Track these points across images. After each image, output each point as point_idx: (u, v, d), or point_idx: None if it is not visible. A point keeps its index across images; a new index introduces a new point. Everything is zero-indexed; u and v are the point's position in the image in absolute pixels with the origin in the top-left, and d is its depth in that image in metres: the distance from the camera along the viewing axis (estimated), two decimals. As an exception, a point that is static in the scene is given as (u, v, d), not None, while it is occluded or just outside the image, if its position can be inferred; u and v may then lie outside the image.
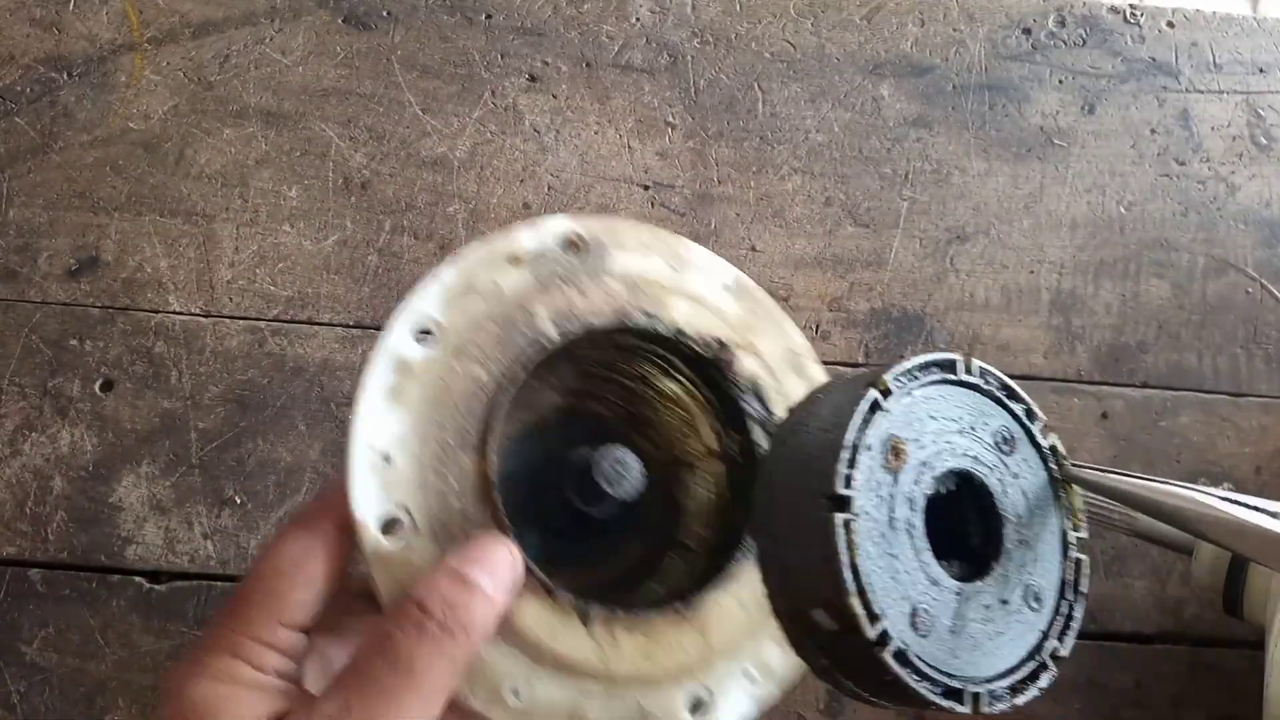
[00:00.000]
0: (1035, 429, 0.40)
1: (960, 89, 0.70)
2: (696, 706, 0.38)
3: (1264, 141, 0.70)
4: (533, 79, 0.68)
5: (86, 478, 0.60)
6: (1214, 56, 0.72)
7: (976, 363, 0.38)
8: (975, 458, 0.36)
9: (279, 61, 0.67)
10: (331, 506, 0.36)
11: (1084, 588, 0.38)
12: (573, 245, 0.41)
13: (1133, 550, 0.63)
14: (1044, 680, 0.36)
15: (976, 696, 0.33)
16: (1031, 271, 0.67)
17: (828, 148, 0.68)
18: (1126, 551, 0.63)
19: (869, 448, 0.33)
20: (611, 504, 0.40)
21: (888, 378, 0.34)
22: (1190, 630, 0.62)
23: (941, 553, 0.35)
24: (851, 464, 0.33)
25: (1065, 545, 0.39)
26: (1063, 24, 0.71)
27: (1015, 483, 0.38)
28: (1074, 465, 0.39)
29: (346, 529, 0.35)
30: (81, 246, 0.64)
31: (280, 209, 0.65)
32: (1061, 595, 0.37)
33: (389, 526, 0.35)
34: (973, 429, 0.37)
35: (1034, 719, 0.60)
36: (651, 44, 0.69)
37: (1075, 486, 0.39)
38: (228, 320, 0.63)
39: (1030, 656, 0.36)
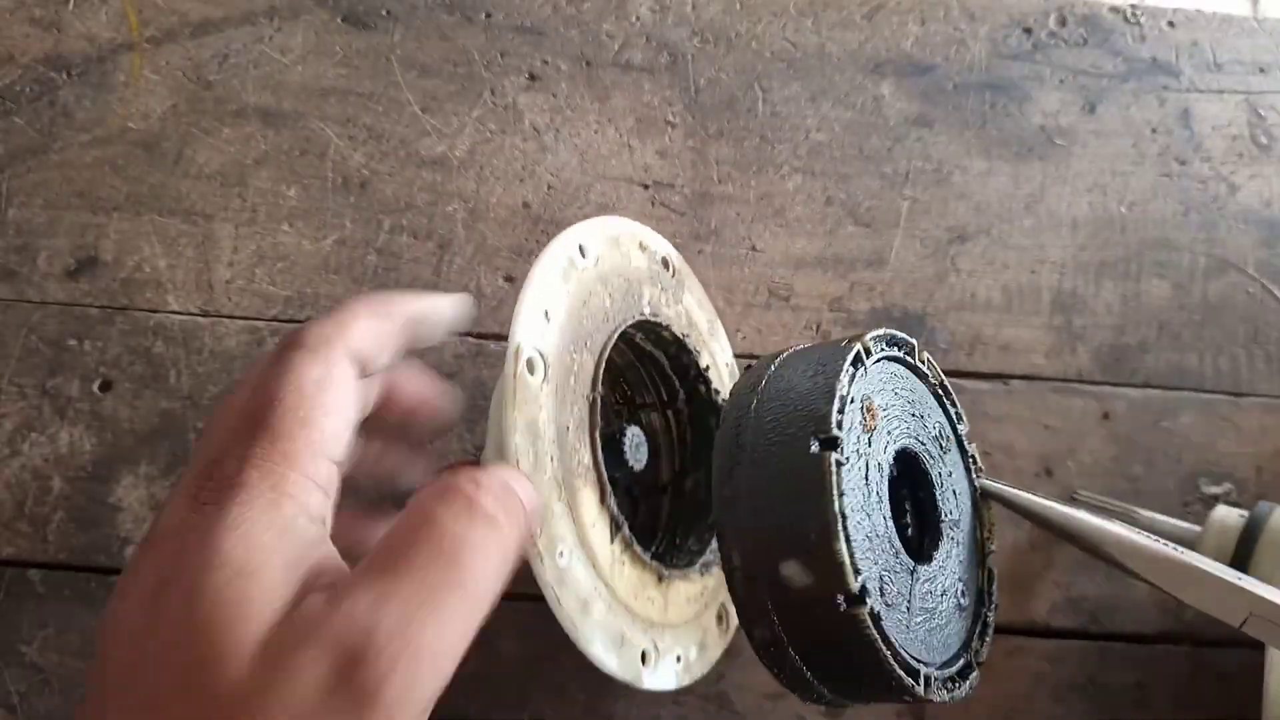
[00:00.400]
0: (963, 433, 0.40)
1: (961, 88, 0.70)
2: (645, 657, 0.41)
3: (1264, 141, 0.70)
4: (532, 78, 0.68)
5: (86, 478, 0.60)
6: (1215, 56, 0.72)
7: (925, 354, 0.38)
8: (924, 444, 0.36)
9: (278, 61, 0.67)
10: (343, 335, 0.31)
11: (996, 598, 0.38)
12: (666, 264, 0.51)
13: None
14: (973, 679, 0.35)
15: (929, 679, 0.32)
16: (1033, 271, 0.67)
17: (828, 147, 0.68)
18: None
19: (852, 400, 0.32)
20: (627, 471, 0.44)
21: (868, 339, 0.34)
22: (1191, 630, 0.62)
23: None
24: (842, 410, 0.32)
25: (983, 554, 0.39)
26: (1063, 23, 0.71)
27: (949, 481, 0.38)
28: (987, 479, 0.40)
29: (363, 366, 0.32)
30: (80, 246, 0.63)
31: (279, 208, 0.65)
32: (980, 601, 0.37)
33: (531, 365, 0.37)
34: (920, 417, 0.37)
35: (1035, 718, 0.60)
36: (651, 43, 0.69)
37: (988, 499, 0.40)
38: (227, 320, 0.63)
39: (961, 653, 0.35)
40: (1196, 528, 0.58)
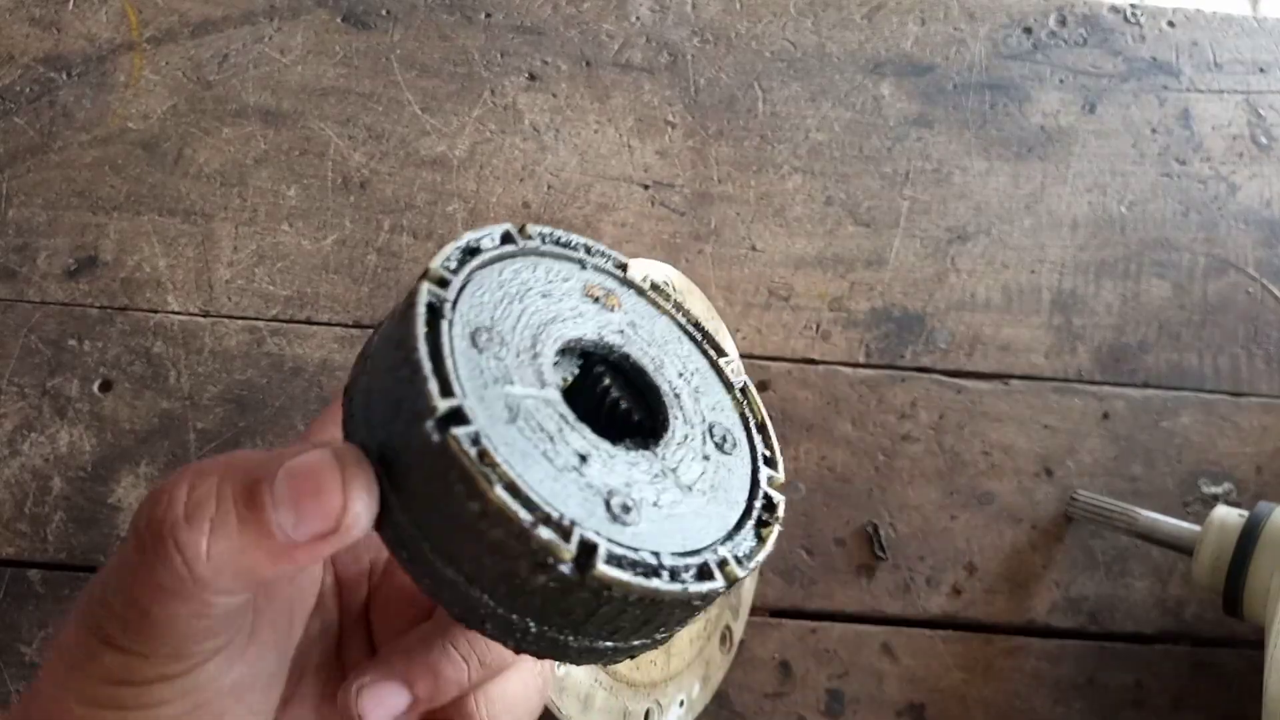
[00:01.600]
0: (607, 266, 0.34)
1: (961, 88, 0.70)
2: (648, 716, 0.41)
3: (1264, 141, 0.70)
4: (532, 78, 0.68)
5: (85, 478, 0.60)
6: (1214, 56, 0.72)
7: (532, 226, 0.32)
8: (577, 319, 0.31)
9: (278, 61, 0.67)
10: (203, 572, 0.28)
11: (765, 417, 0.33)
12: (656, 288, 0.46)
13: (1133, 550, 0.63)
14: (781, 510, 0.31)
15: (724, 563, 0.28)
16: (1032, 271, 0.67)
17: (828, 147, 0.68)
18: (1127, 551, 0.63)
19: (454, 345, 0.27)
20: None
21: (434, 265, 0.29)
22: (1191, 630, 0.62)
23: (608, 436, 0.30)
24: (438, 366, 0.26)
25: (719, 374, 0.34)
26: (1063, 23, 0.71)
27: (635, 331, 0.32)
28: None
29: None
30: (80, 246, 0.63)
31: (279, 208, 0.65)
32: (747, 429, 0.32)
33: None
34: (558, 294, 0.31)
35: (1035, 718, 0.61)
36: (651, 43, 0.69)
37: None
38: (226, 320, 0.63)
39: (753, 495, 0.31)
40: (1196, 528, 0.58)
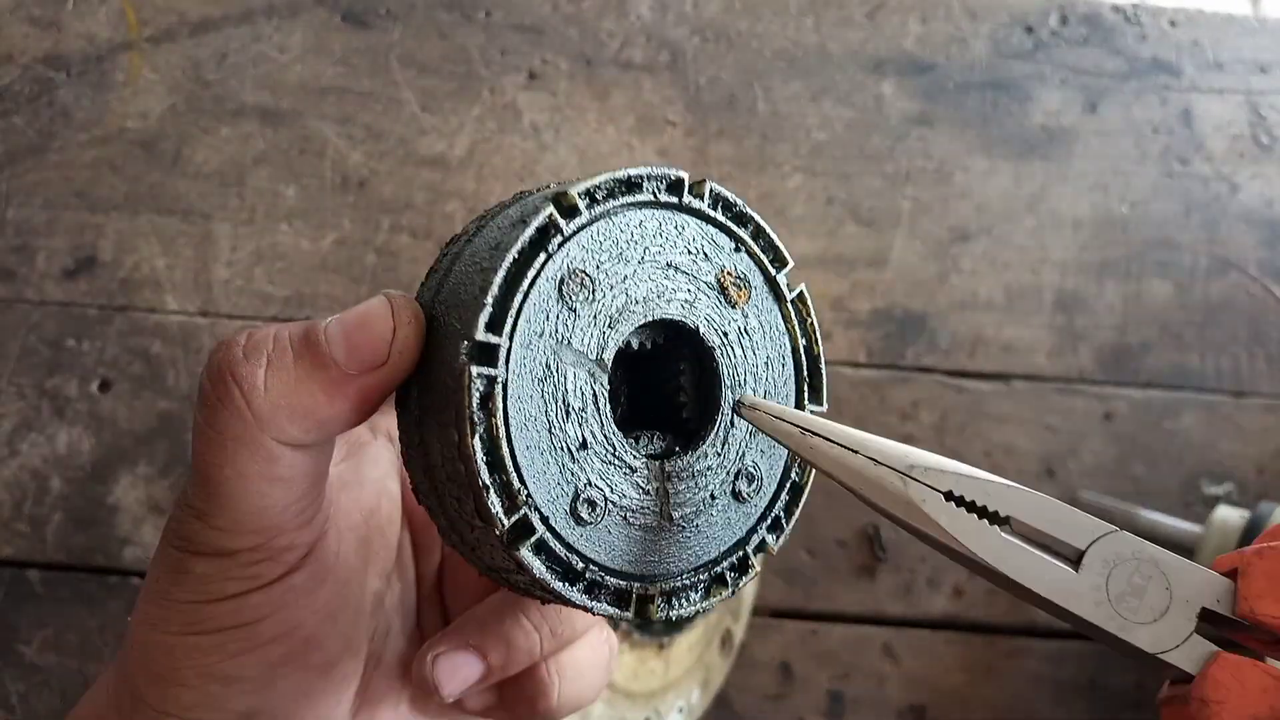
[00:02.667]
0: (764, 257, 0.31)
1: (962, 87, 0.70)
2: None
3: (1265, 141, 0.70)
4: (532, 76, 0.68)
5: (84, 478, 0.60)
6: (1215, 56, 0.71)
7: (711, 185, 0.30)
8: (690, 303, 0.29)
9: (277, 60, 0.67)
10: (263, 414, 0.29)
11: (807, 484, 0.31)
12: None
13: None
14: (750, 577, 0.30)
15: (648, 599, 0.27)
16: (1034, 271, 0.67)
17: (829, 146, 0.68)
18: (1129, 552, 0.63)
19: (535, 283, 0.26)
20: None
21: (574, 191, 0.27)
22: (1192, 631, 0.62)
23: (647, 421, 0.29)
24: (506, 297, 0.26)
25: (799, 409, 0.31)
26: (1065, 22, 0.71)
27: (741, 339, 0.30)
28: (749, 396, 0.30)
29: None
30: (79, 246, 0.63)
31: (278, 208, 0.65)
32: (784, 480, 0.30)
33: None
34: (685, 269, 0.29)
35: (1035, 718, 0.60)
36: (652, 41, 0.69)
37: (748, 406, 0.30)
38: (225, 320, 0.63)
39: (732, 551, 0.29)
40: (1198, 528, 0.57)
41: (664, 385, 0.30)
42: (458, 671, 0.32)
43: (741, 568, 0.30)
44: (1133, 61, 0.71)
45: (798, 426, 0.27)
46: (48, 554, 0.59)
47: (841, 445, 0.27)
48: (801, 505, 0.31)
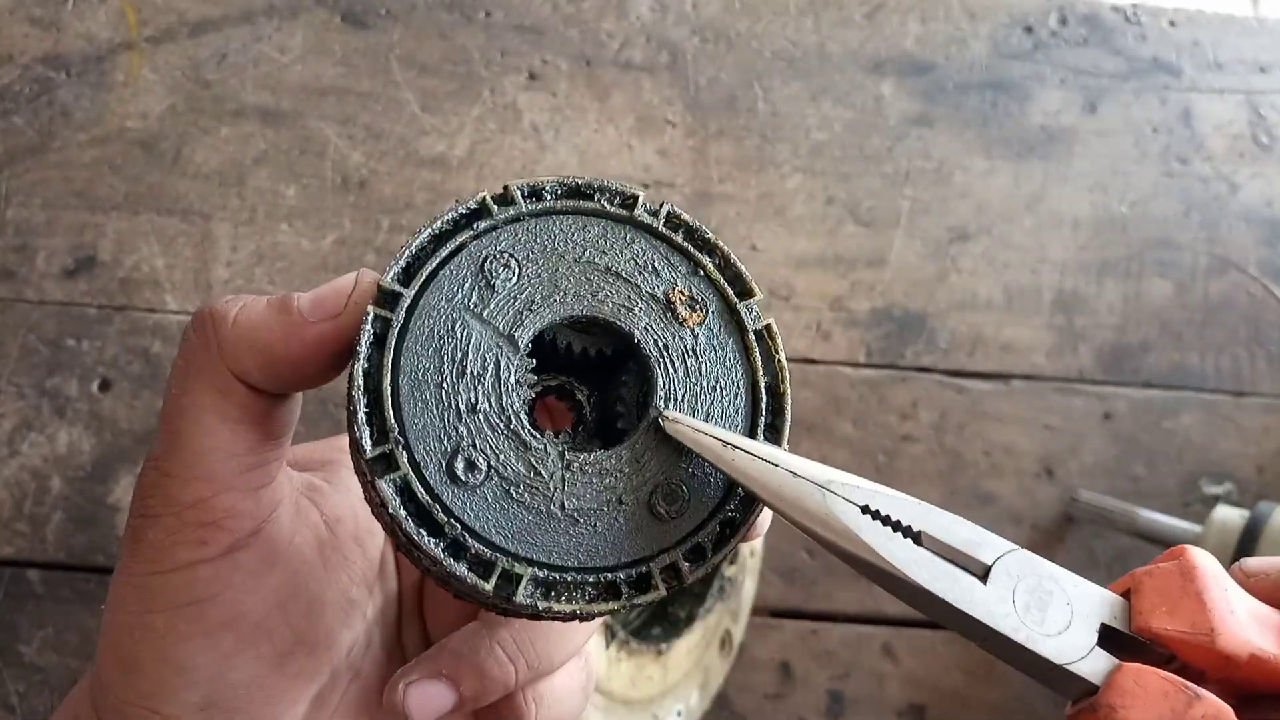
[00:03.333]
0: (726, 287, 0.30)
1: (962, 87, 0.70)
2: None
3: (1265, 141, 0.70)
4: (532, 77, 0.68)
5: (84, 478, 0.60)
6: (1215, 55, 0.71)
7: (668, 206, 0.30)
8: (626, 309, 0.29)
9: (277, 60, 0.67)
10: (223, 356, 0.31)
11: (752, 509, 0.29)
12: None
13: (1134, 550, 0.63)
14: (644, 596, 0.28)
15: (512, 576, 0.27)
16: (1034, 271, 0.67)
17: (829, 146, 0.68)
18: (1128, 552, 0.63)
19: (456, 255, 0.28)
20: None
21: (515, 185, 0.28)
22: (1192, 631, 0.62)
23: (601, 432, 0.30)
24: (416, 259, 0.28)
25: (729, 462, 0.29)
26: (1064, 22, 0.71)
27: (694, 358, 0.30)
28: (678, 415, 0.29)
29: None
30: (79, 246, 0.63)
31: (278, 208, 0.65)
32: (717, 511, 0.29)
33: None
34: (634, 279, 0.29)
35: (1034, 718, 0.60)
36: (651, 42, 0.69)
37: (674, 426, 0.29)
38: (226, 320, 0.63)
39: (638, 563, 0.28)
40: (1198, 528, 0.57)
41: (608, 396, 0.31)
42: (429, 701, 0.32)
43: (641, 584, 0.28)
44: (1132, 61, 0.71)
45: (719, 440, 0.28)
46: (48, 554, 0.59)
47: (763, 459, 0.27)
48: (735, 542, 0.29)
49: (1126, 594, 0.27)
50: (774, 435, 0.30)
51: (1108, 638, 0.26)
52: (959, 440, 0.64)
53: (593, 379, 0.31)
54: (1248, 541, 0.54)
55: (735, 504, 0.29)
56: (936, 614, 0.27)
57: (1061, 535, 0.63)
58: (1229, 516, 0.56)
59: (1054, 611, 0.27)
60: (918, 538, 0.27)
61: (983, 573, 0.27)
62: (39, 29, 0.66)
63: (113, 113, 0.65)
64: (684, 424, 0.28)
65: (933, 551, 0.27)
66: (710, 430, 0.28)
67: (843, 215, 0.67)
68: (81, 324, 0.62)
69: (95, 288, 0.63)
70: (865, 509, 0.27)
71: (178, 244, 0.64)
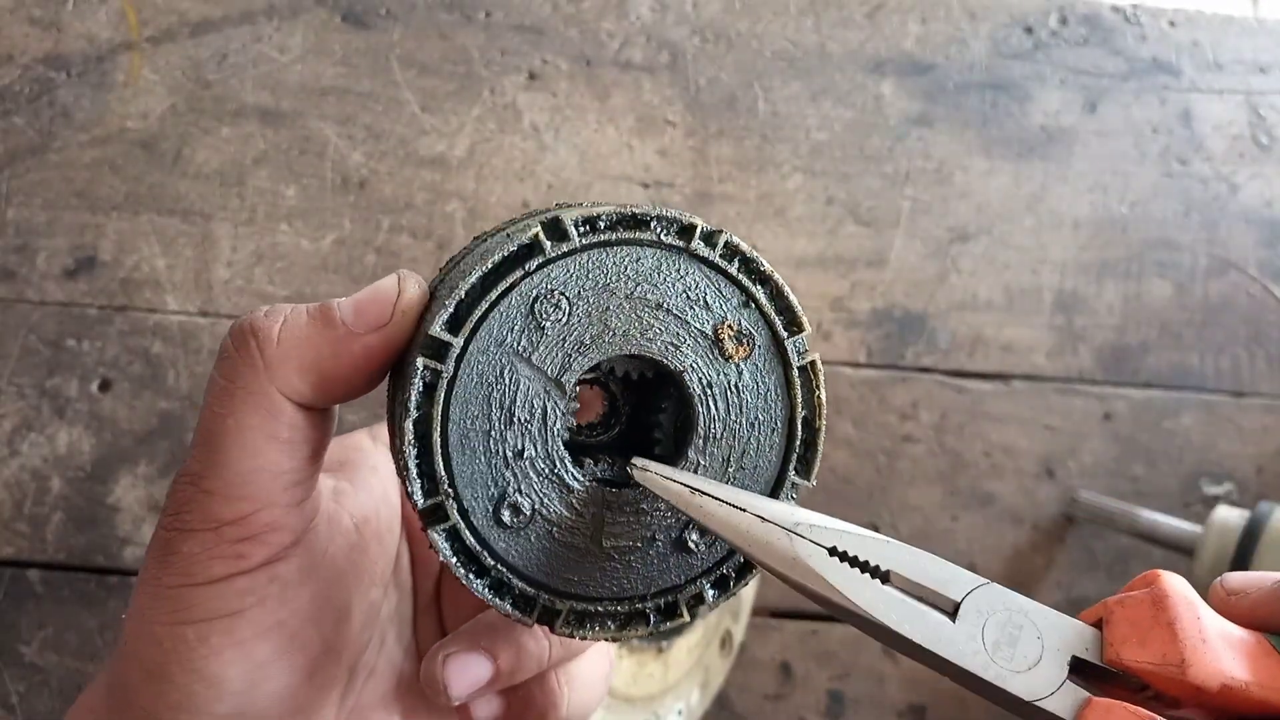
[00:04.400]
0: (776, 319, 0.30)
1: (962, 87, 0.70)
2: None
3: (1265, 141, 0.70)
4: (532, 77, 0.68)
5: (84, 478, 0.60)
6: (1215, 56, 0.71)
7: (727, 236, 0.29)
8: (675, 346, 0.29)
9: (277, 60, 0.67)
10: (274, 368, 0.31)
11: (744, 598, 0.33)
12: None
13: (1134, 551, 0.63)
14: (670, 623, 0.30)
15: (552, 611, 0.29)
16: (1034, 271, 0.67)
17: (829, 146, 0.68)
18: (1128, 552, 0.63)
19: (506, 295, 0.28)
20: None
21: (569, 218, 0.28)
22: (1192, 631, 0.62)
23: (632, 440, 0.30)
24: (467, 307, 0.27)
25: (777, 487, 0.31)
26: (1064, 23, 0.71)
27: (735, 394, 0.30)
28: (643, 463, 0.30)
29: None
30: (79, 246, 0.63)
31: (278, 208, 0.65)
32: (719, 569, 0.30)
33: None
34: (685, 315, 0.29)
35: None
36: (652, 42, 0.69)
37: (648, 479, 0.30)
38: (225, 320, 0.63)
39: (667, 593, 0.29)
40: (1198, 528, 0.57)
41: (648, 416, 0.31)
42: (467, 672, 0.32)
43: (668, 612, 0.30)
44: (1132, 62, 0.71)
45: (687, 486, 0.28)
46: (48, 554, 0.59)
47: (729, 504, 0.27)
48: (756, 573, 0.31)
49: (1099, 623, 0.27)
50: (804, 469, 0.31)
51: (1080, 670, 0.26)
52: (959, 440, 0.64)
53: (640, 390, 0.32)
54: (1248, 541, 0.54)
55: None
56: (907, 652, 0.27)
57: (1061, 535, 0.63)
58: (1229, 517, 0.56)
59: (1024, 647, 0.27)
60: (886, 577, 0.27)
61: (952, 609, 0.27)
62: (39, 29, 0.66)
63: (113, 113, 0.65)
64: (652, 471, 0.29)
65: (901, 590, 0.27)
66: (677, 477, 0.28)
67: (843, 215, 0.67)
68: (82, 324, 0.62)
69: (95, 288, 0.63)
70: (833, 550, 0.27)
71: (178, 244, 0.64)
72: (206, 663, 0.29)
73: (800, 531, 0.27)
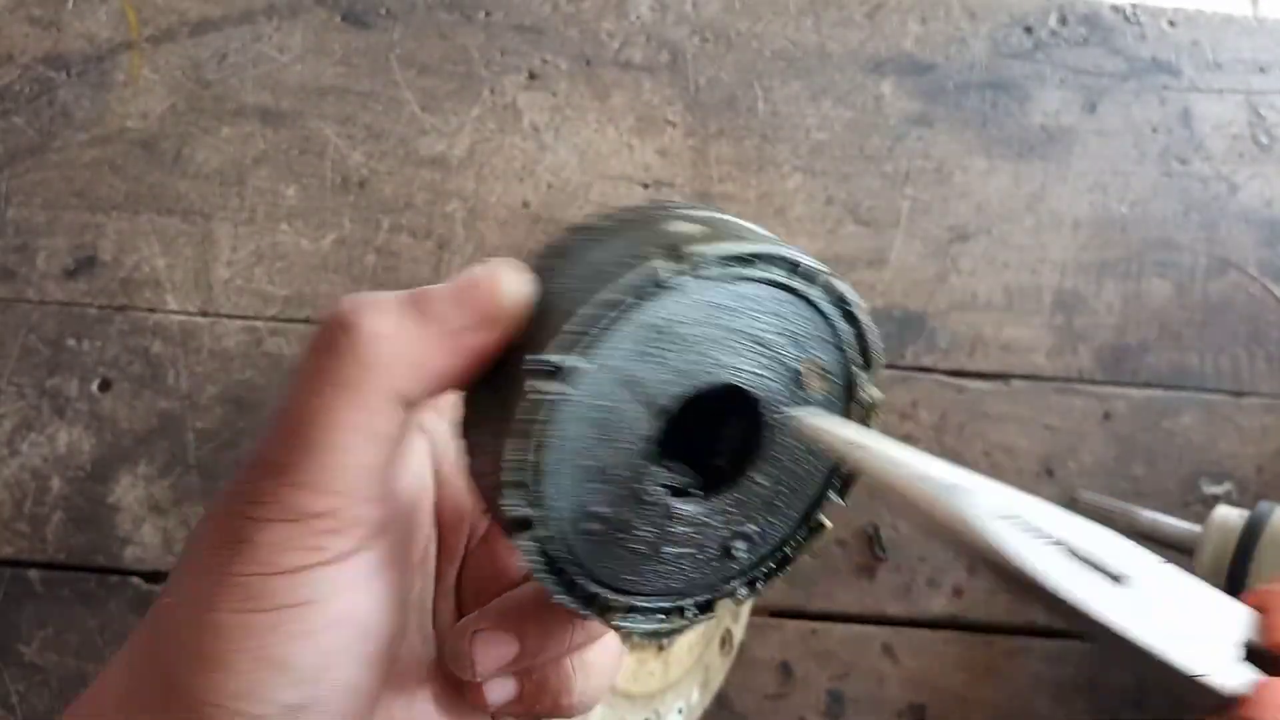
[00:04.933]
0: (860, 374, 0.33)
1: (962, 87, 0.70)
2: None
3: (1265, 141, 0.70)
4: (532, 77, 0.68)
5: (84, 478, 0.60)
6: (1215, 55, 0.71)
7: (829, 279, 0.30)
8: (761, 376, 0.31)
9: (277, 60, 0.67)
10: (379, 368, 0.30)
11: (804, 549, 0.33)
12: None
13: (1134, 550, 0.63)
14: (704, 617, 0.33)
15: (607, 607, 0.31)
16: (1034, 271, 0.67)
17: (829, 146, 0.68)
18: (1128, 552, 0.63)
19: (623, 321, 0.28)
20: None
21: (691, 250, 0.28)
22: (1192, 631, 0.62)
23: (679, 452, 0.31)
24: (584, 331, 0.28)
25: (816, 505, 0.33)
26: (1064, 22, 0.71)
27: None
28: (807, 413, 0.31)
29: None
30: (79, 246, 0.63)
31: (278, 208, 0.65)
32: (777, 551, 0.33)
33: None
34: (777, 350, 0.31)
35: (1036, 718, 0.60)
36: (651, 41, 0.69)
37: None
38: (225, 320, 0.63)
39: (706, 591, 0.32)
40: (1197, 528, 0.57)
41: (713, 425, 0.32)
42: (495, 650, 0.32)
43: (705, 608, 0.32)
44: (1132, 61, 0.71)
45: (847, 439, 0.29)
46: (48, 554, 0.59)
47: (892, 456, 0.28)
48: (780, 576, 0.33)
49: (1259, 608, 0.27)
50: (841, 491, 0.33)
51: (1247, 653, 0.26)
52: (959, 440, 0.64)
53: (705, 398, 0.33)
54: (1248, 541, 0.54)
55: (792, 545, 0.33)
56: (1070, 621, 0.27)
57: (1061, 535, 0.63)
58: (1229, 516, 0.56)
59: (1193, 625, 0.27)
60: (1055, 543, 0.27)
61: (1121, 582, 0.27)
62: (39, 29, 0.66)
63: (113, 113, 0.65)
64: (821, 424, 0.30)
65: (1070, 557, 0.27)
66: (839, 431, 0.30)
67: (843, 215, 0.67)
68: (82, 324, 0.62)
69: (95, 288, 0.63)
70: (1002, 514, 0.27)
71: (178, 244, 0.64)
72: (277, 650, 0.28)
73: (963, 493, 0.27)
